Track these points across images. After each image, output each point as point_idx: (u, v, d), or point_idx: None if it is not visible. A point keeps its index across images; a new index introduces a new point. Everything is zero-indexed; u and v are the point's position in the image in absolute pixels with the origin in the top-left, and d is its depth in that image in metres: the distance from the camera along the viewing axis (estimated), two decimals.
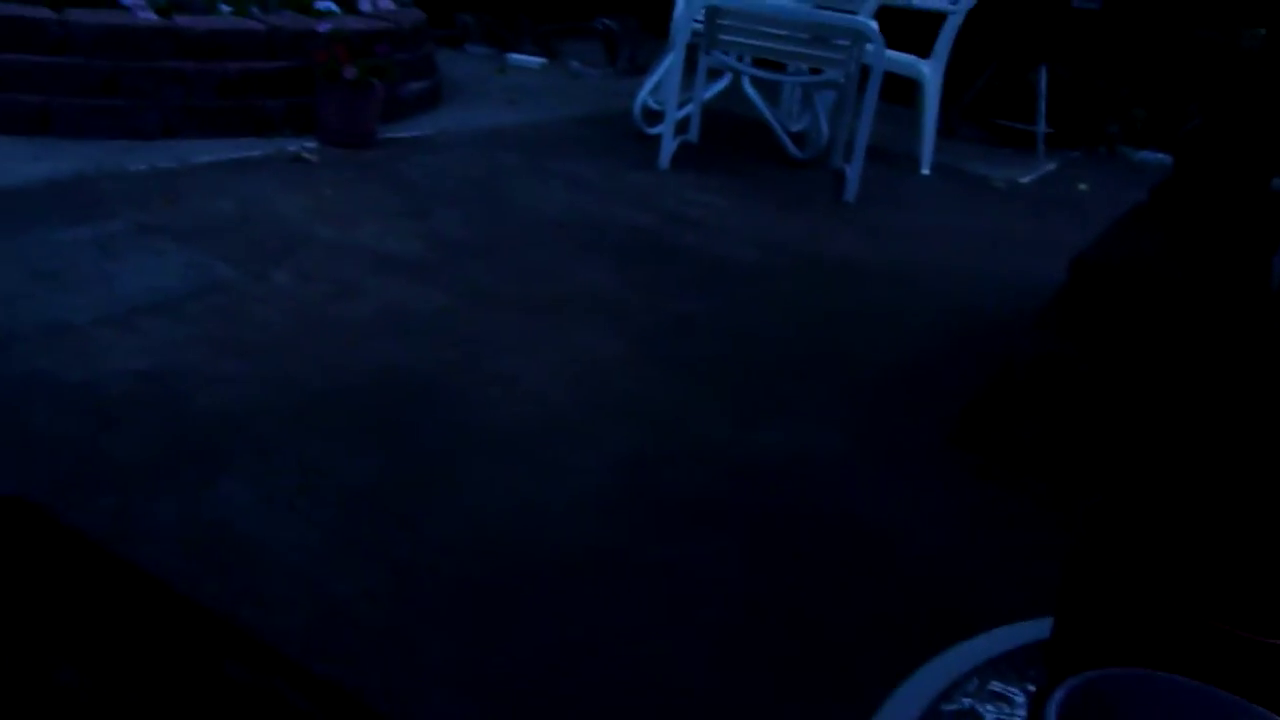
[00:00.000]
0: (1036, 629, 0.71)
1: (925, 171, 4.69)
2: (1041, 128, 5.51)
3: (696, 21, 4.07)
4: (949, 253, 3.65)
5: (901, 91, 4.87)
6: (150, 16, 3.58)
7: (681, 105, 4.28)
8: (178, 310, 2.36)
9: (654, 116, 4.62)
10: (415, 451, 1.94)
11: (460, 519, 1.74)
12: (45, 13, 3.42)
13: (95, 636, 0.58)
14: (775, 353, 2.61)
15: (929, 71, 4.57)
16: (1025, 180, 4.96)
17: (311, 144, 3.72)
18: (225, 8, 3.88)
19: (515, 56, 6.09)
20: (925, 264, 3.48)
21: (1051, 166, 5.34)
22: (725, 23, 4.04)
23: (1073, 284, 2.19)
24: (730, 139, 4.85)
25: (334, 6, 4.18)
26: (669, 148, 4.10)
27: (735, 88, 4.73)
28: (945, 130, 5.29)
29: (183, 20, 3.63)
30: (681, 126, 4.36)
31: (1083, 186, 4.98)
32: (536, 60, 6.09)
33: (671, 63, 4.11)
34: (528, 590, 1.59)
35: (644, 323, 2.66)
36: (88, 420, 1.88)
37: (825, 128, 4.55)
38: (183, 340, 2.23)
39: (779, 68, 4.64)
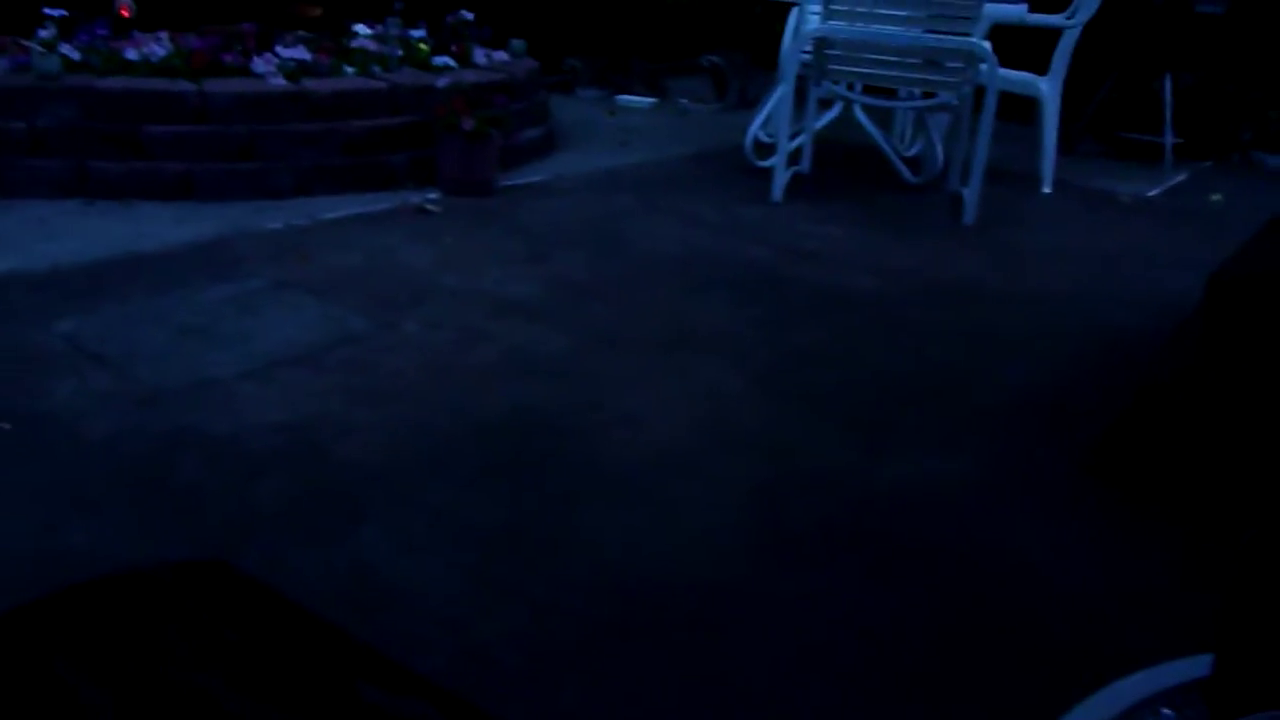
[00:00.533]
0: (1193, 666, 0.69)
1: (1047, 190, 4.58)
2: (1169, 138, 5.32)
3: (805, 53, 4.08)
4: (1075, 272, 3.55)
5: (1019, 109, 4.78)
6: (281, 82, 3.77)
7: (793, 137, 4.28)
8: (315, 362, 2.46)
9: (765, 149, 4.64)
10: (544, 492, 1.97)
11: (591, 558, 1.76)
12: (186, 85, 3.64)
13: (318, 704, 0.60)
14: (899, 381, 2.57)
15: (1046, 88, 4.47)
16: (1153, 194, 4.79)
17: (433, 194, 3.84)
18: (349, 69, 4.06)
19: (625, 98, 6.19)
20: (1051, 285, 3.39)
21: (1181, 178, 5.15)
22: (834, 53, 4.04)
23: (1210, 302, 2.10)
24: (843, 167, 4.82)
25: (451, 61, 4.33)
26: (781, 180, 4.11)
27: (846, 116, 4.71)
28: (1066, 147, 5.15)
29: (310, 83, 3.81)
30: (793, 158, 4.36)
31: (1216, 197, 4.78)
32: (646, 100, 6.17)
33: (781, 95, 4.12)
34: (661, 628, 1.60)
35: (764, 357, 2.66)
36: (234, 472, 1.98)
37: (940, 151, 4.49)
38: (320, 391, 2.32)
39: (890, 93, 4.60)
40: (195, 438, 2.09)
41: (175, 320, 2.63)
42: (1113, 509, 2.04)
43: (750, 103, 5.97)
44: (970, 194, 3.95)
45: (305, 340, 2.57)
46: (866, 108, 4.58)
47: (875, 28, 3.95)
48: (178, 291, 2.82)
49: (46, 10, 3.89)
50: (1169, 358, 2.21)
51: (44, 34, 3.76)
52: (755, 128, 4.67)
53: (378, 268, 3.10)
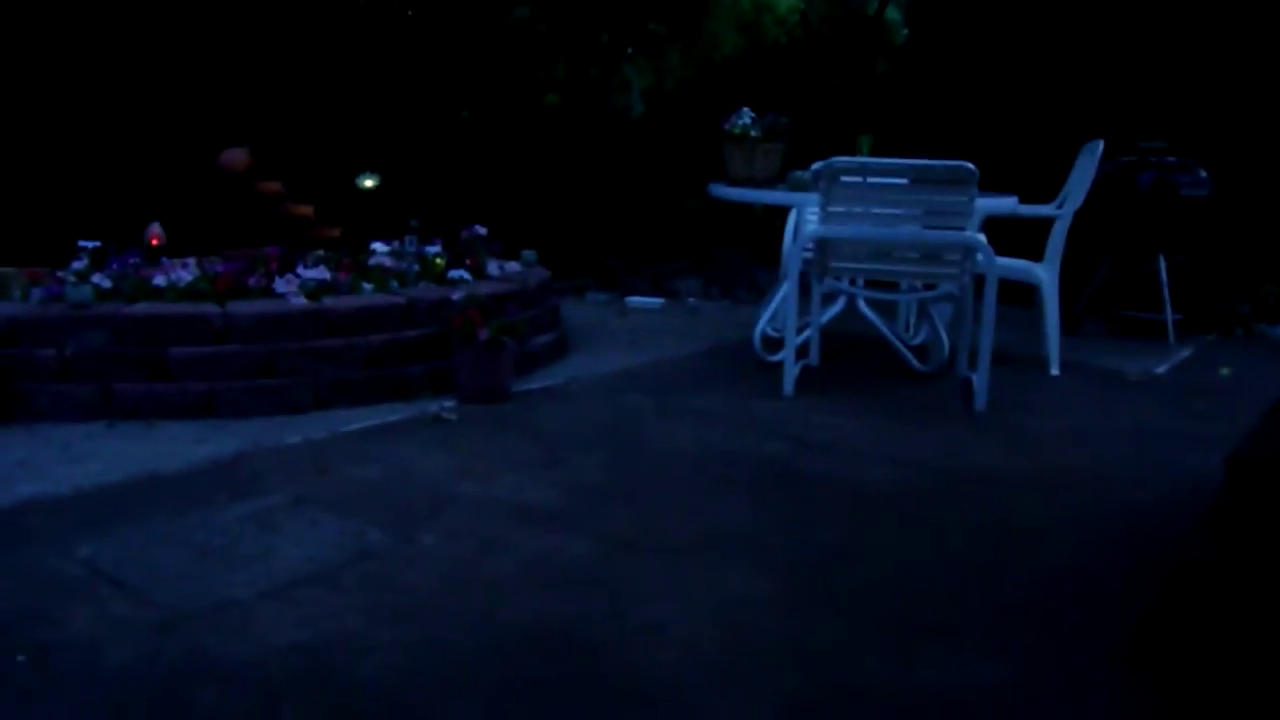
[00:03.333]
0: None
1: (1055, 371, 4.62)
2: (1169, 315, 5.40)
3: (806, 250, 4.21)
4: (1093, 453, 3.53)
5: (1020, 293, 4.87)
6: (301, 301, 3.89)
7: (800, 330, 4.36)
8: (334, 580, 2.43)
9: (774, 344, 4.71)
10: (567, 712, 1.90)
11: None
12: (210, 307, 3.75)
13: None
14: (925, 577, 2.52)
15: (1044, 274, 4.57)
16: (1161, 370, 4.83)
17: (450, 403, 3.89)
18: (368, 286, 4.19)
19: (634, 299, 6.35)
20: (1069, 468, 3.37)
21: (1186, 353, 5.20)
22: (835, 250, 4.16)
23: (1233, 485, 2.09)
24: (851, 358, 4.88)
25: (466, 274, 4.46)
26: (791, 373, 4.16)
27: (851, 308, 4.81)
28: (1069, 327, 5.24)
29: (330, 301, 3.93)
30: (802, 351, 4.43)
31: (1224, 371, 4.81)
32: (655, 301, 6.33)
33: (786, 291, 4.22)
34: None
35: (786, 556, 2.62)
36: (252, 699, 1.92)
37: (945, 338, 4.56)
38: (339, 610, 2.29)
39: (893, 286, 4.71)
40: (213, 663, 2.04)
41: (195, 541, 2.62)
42: (1156, 701, 1.96)
43: (756, 298, 6.11)
44: (980, 379, 3.99)
45: (324, 557, 2.55)
46: (870, 300, 4.69)
47: (873, 227, 4.08)
48: (198, 511, 2.82)
49: (81, 243, 4.07)
50: (1198, 542, 2.18)
51: (78, 265, 3.92)
52: (763, 323, 4.76)
53: (396, 479, 3.10)
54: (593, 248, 6.93)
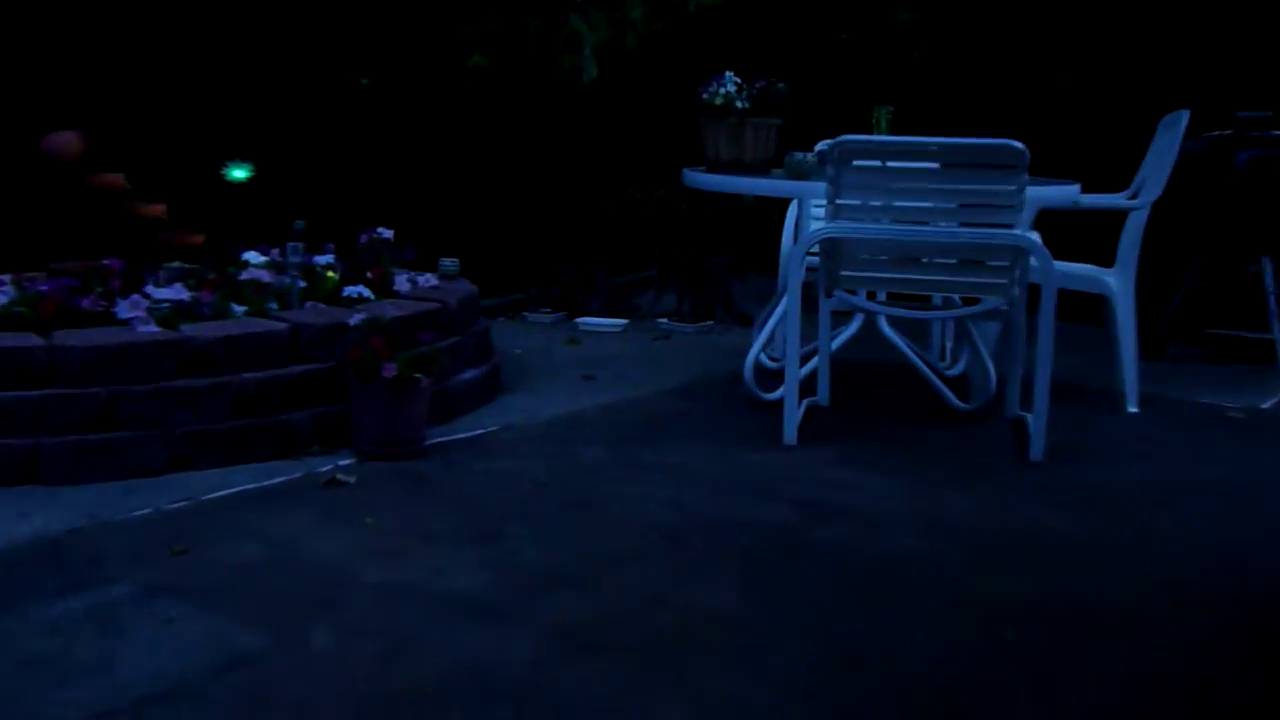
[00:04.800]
0: None
1: (1133, 409, 4.68)
2: (1279, 333, 5.47)
3: (811, 255, 4.26)
4: (1187, 515, 3.58)
5: (1085, 307, 4.95)
6: (151, 329, 3.87)
7: (804, 360, 4.40)
8: (196, 696, 2.41)
9: (771, 377, 4.76)
10: None
11: None
12: (31, 339, 3.73)
13: None
14: (969, 683, 2.54)
15: (1116, 282, 4.65)
16: (1268, 405, 4.90)
17: (347, 461, 3.88)
18: (238, 308, 4.18)
19: (588, 321, 6.39)
20: (1157, 536, 3.41)
21: None
22: (848, 255, 4.21)
23: None
24: (871, 395, 4.93)
25: (366, 291, 4.47)
26: (794, 416, 4.18)
27: (870, 330, 4.85)
28: (1150, 351, 5.29)
29: (190, 329, 3.92)
30: (807, 387, 4.46)
31: None
32: (615, 323, 6.36)
33: (786, 309, 4.25)
34: None
35: (790, 657, 2.63)
36: None
37: (992, 367, 4.61)
38: None
39: (923, 301, 4.77)
40: None
41: (15, 648, 2.59)
42: None
43: (747, 318, 6.16)
44: (1036, 420, 4.03)
45: (183, 666, 2.53)
46: (894, 320, 4.74)
47: (895, 226, 4.13)
48: (19, 607, 2.78)
49: None
50: None
51: None
52: (756, 351, 4.80)
53: (278, 561, 3.09)
54: (534, 254, 6.95)
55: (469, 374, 4.64)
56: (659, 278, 6.78)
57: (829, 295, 4.34)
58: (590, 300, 6.65)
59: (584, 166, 7.49)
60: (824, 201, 4.15)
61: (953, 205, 4.12)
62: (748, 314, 6.26)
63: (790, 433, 4.17)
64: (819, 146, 4.60)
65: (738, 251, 6.74)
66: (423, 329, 4.23)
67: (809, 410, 4.46)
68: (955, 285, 4.36)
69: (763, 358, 4.93)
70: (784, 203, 5.36)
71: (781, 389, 4.28)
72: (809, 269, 4.32)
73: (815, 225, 4.61)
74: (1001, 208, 3.99)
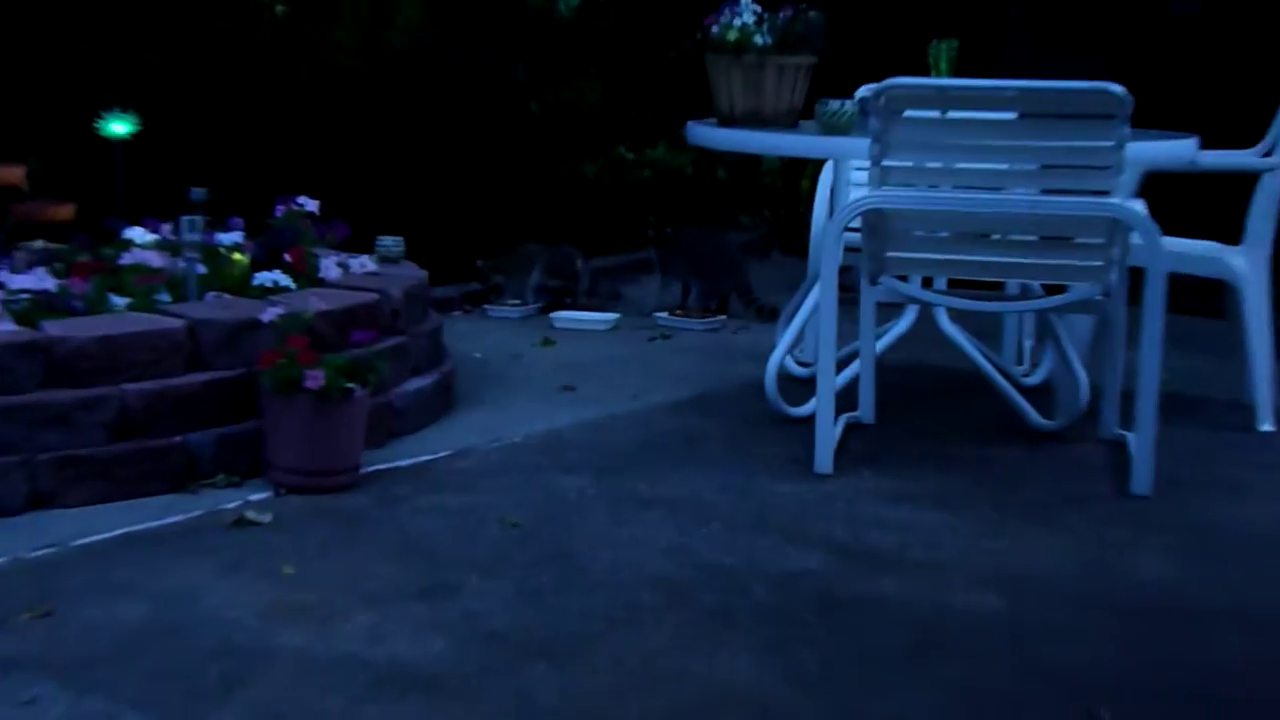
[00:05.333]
0: None
1: (1266, 427, 4.66)
2: None
3: (851, 230, 4.24)
4: None
5: (1204, 295, 4.94)
6: (6, 327, 3.83)
7: (842, 366, 4.37)
8: None
9: (801, 388, 4.74)
10: None
11: None
12: None
13: None
14: None
15: (1243, 264, 4.63)
16: None
17: (260, 495, 3.84)
18: (119, 300, 4.14)
19: (566, 316, 6.37)
20: None
21: None
22: (897, 231, 4.19)
23: None
24: (927, 410, 4.92)
25: (285, 279, 4.44)
26: (829, 436, 4.15)
27: (926, 327, 4.83)
28: None
29: (56, 329, 3.87)
30: (846, 399, 4.43)
31: None
32: (601, 318, 6.35)
33: (818, 301, 4.22)
34: None
35: None
36: None
37: (1082, 374, 4.59)
38: None
39: (994, 288, 4.74)
40: None
41: None
42: None
43: (770, 313, 6.14)
44: (1140, 442, 4.01)
45: None
46: (956, 313, 4.71)
47: (958, 194, 4.11)
48: None
49: None
50: None
51: None
52: (781, 354, 4.76)
53: (170, 625, 3.05)
54: (498, 232, 6.92)
55: (416, 384, 4.61)
56: (657, 261, 6.75)
57: (874, 282, 4.31)
58: (569, 289, 6.64)
59: (559, 122, 7.48)
60: (867, 163, 4.12)
61: (1033, 167, 4.10)
62: (770, 306, 6.24)
63: (824, 458, 4.14)
64: (861, 93, 4.57)
65: (757, 227, 6.72)
66: (357, 327, 4.19)
67: (848, 429, 4.44)
68: (1035, 269, 4.34)
69: (789, 362, 4.91)
70: (816, 165, 5.35)
71: (813, 402, 4.25)
72: (848, 249, 4.29)
73: (856, 193, 4.58)
74: (1096, 169, 3.96)
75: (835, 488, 4.04)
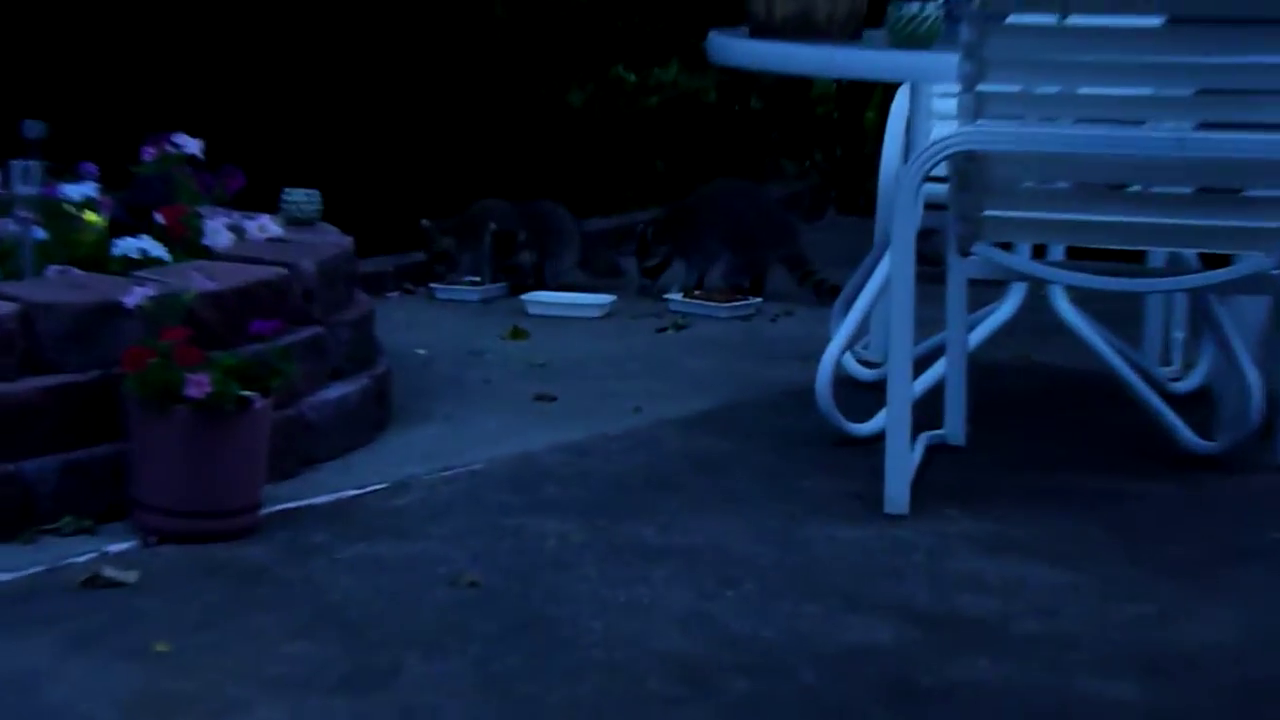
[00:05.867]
0: None
1: None
2: None
3: (934, 180, 4.23)
4: None
5: None
6: None
7: (922, 367, 4.39)
8: None
9: (865, 395, 4.76)
10: None
11: None
12: None
13: None
14: None
15: None
16: None
17: (121, 545, 3.83)
18: None
19: (543, 299, 6.38)
20: None
21: None
22: (998, 181, 4.17)
23: None
24: (1037, 426, 4.93)
25: (157, 248, 4.41)
26: (905, 463, 4.14)
27: (1035, 312, 4.82)
28: None
29: None
30: (928, 412, 4.43)
31: None
32: (591, 300, 6.37)
33: (890, 278, 4.21)
34: None
35: None
36: None
37: (1253, 376, 4.58)
38: None
39: (1133, 259, 4.72)
40: None
41: None
42: None
43: (828, 290, 6.12)
44: None
45: None
46: (1079, 294, 4.69)
47: (1082, 129, 4.09)
48: None
49: None
50: None
51: None
52: (839, 349, 4.75)
53: None
54: (450, 182, 6.91)
55: (337, 391, 4.61)
56: (668, 222, 6.74)
57: (965, 253, 4.30)
58: (551, 265, 6.64)
59: (537, 27, 7.47)
60: (955, 88, 4.12)
61: (1186, 92, 4.09)
62: (824, 280, 6.23)
63: (897, 492, 4.12)
64: None
65: (806, 176, 6.71)
66: (256, 314, 4.18)
67: (930, 453, 4.45)
68: (1189, 233, 4.33)
69: (850, 362, 4.92)
70: (886, 91, 5.33)
71: (882, 416, 4.26)
72: (929, 206, 4.28)
73: (941, 130, 4.57)
74: (1273, 95, 3.97)
75: (912, 533, 4.03)
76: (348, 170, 6.09)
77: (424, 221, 6.64)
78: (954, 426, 4.60)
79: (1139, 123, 4.12)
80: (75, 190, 4.64)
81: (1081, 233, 4.48)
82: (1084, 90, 4.12)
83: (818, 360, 4.75)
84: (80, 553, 3.78)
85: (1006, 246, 4.36)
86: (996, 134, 4.08)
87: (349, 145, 6.58)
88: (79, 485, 3.96)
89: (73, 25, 6.44)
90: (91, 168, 4.80)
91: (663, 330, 6.12)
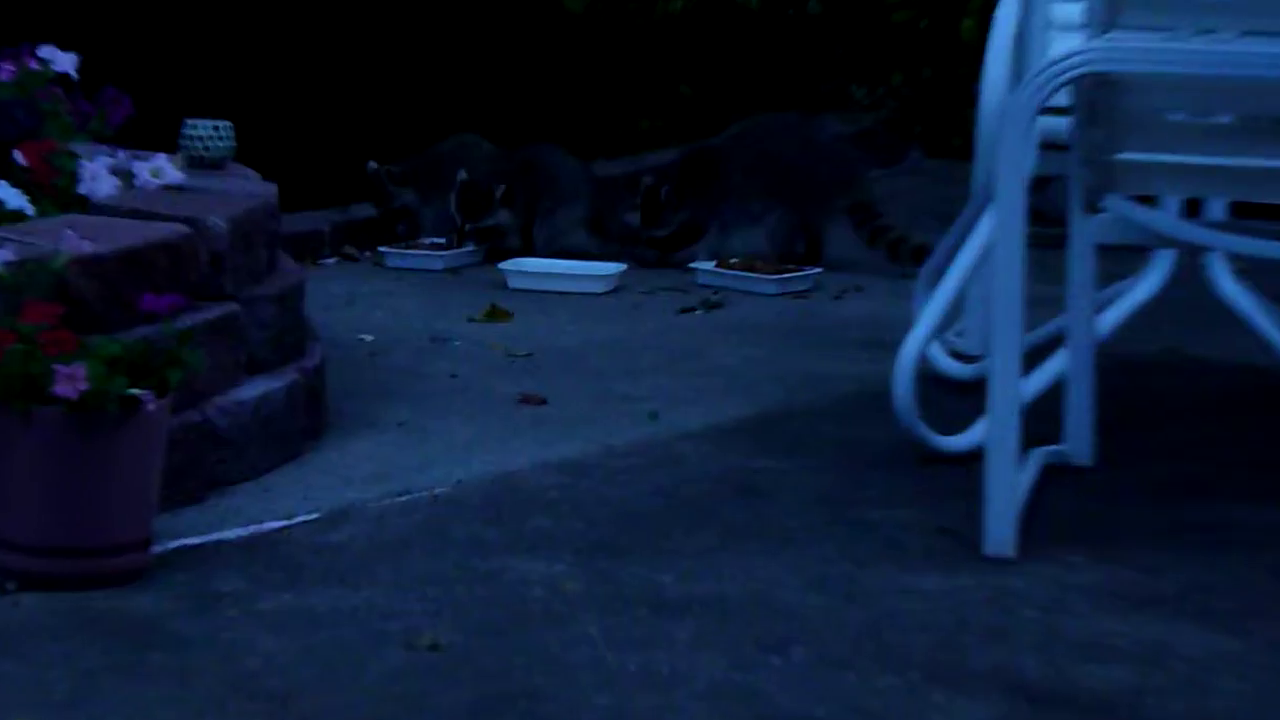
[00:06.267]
0: None
1: None
2: None
3: (1052, 112, 4.24)
4: None
5: None
6: None
7: (1036, 359, 4.38)
8: None
9: (957, 400, 4.77)
10: None
11: None
12: None
13: None
14: None
15: None
16: None
17: None
18: None
19: (528, 266, 6.39)
20: None
21: None
22: (1138, 114, 4.17)
23: None
24: (1186, 440, 4.94)
25: (15, 196, 4.42)
26: (1011, 488, 4.14)
27: (1186, 287, 4.82)
28: None
29: None
30: (1042, 420, 4.44)
31: None
32: (592, 271, 6.38)
33: (994, 241, 4.21)
34: None
35: None
36: None
37: None
38: None
39: None
40: None
41: None
42: None
43: (912, 253, 6.12)
44: None
45: None
46: (1245, 264, 4.70)
47: (1250, 44, 4.09)
48: None
49: None
50: None
51: None
52: (924, 336, 4.76)
53: None
54: (407, 114, 6.93)
55: (256, 389, 4.62)
56: (692, 170, 6.75)
57: (1094, 209, 4.30)
58: (539, 220, 6.66)
59: None
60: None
61: None
62: (903, 240, 6.25)
63: (1001, 528, 4.12)
64: None
65: (880, 106, 6.71)
66: (148, 287, 4.18)
67: (1047, 474, 4.45)
68: None
69: (937, 353, 4.93)
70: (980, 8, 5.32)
71: (981, 426, 4.27)
72: (1046, 146, 4.28)
73: (1062, 45, 4.57)
74: None
75: (1021, 583, 4.03)
76: (271, 96, 6.09)
77: (372, 164, 6.66)
78: (1078, 440, 4.61)
79: None
80: None
81: (1248, 183, 4.46)
82: None
83: (894, 351, 4.78)
84: None
85: (1148, 201, 4.36)
86: (1136, 50, 4.08)
87: (273, 62, 6.59)
88: None
89: None
90: None
91: (688, 311, 6.12)
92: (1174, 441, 4.89)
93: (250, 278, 4.72)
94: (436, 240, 6.55)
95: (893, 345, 4.80)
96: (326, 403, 4.93)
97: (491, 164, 6.66)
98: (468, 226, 6.59)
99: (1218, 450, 4.85)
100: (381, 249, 6.56)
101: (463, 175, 6.62)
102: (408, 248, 6.54)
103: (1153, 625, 3.86)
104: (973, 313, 4.94)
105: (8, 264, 3.98)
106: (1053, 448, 4.54)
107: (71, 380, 3.79)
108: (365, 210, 6.69)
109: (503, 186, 6.66)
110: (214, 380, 4.41)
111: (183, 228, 4.50)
